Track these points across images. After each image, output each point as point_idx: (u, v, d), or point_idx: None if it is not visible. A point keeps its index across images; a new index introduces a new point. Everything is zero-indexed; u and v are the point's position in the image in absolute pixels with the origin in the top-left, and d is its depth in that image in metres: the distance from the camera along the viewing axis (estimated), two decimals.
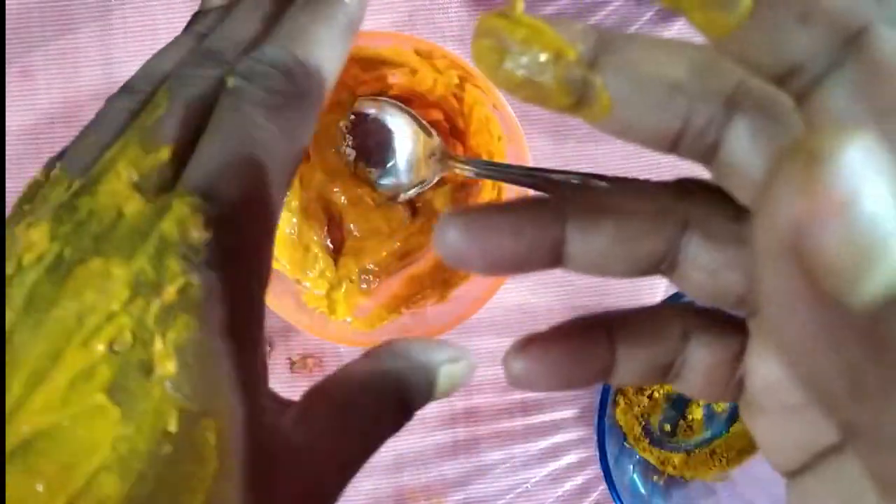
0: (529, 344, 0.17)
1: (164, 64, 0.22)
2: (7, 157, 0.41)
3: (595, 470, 0.45)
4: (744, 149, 0.14)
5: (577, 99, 0.14)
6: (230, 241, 0.18)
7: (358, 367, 0.22)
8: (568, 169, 0.35)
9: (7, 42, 0.41)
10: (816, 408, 0.14)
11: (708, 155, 0.15)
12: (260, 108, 0.19)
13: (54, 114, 0.42)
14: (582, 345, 0.17)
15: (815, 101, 0.12)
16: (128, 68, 0.42)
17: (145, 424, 0.17)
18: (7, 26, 0.41)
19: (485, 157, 0.39)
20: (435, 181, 0.38)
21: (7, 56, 0.41)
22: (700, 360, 0.17)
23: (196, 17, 0.24)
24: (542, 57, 0.14)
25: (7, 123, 0.41)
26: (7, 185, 0.41)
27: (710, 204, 0.16)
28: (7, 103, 0.41)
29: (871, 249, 0.09)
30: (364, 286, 0.42)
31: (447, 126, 0.41)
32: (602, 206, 0.15)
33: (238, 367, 0.18)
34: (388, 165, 0.39)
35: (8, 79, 0.41)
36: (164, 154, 0.19)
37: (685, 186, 0.16)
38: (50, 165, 0.21)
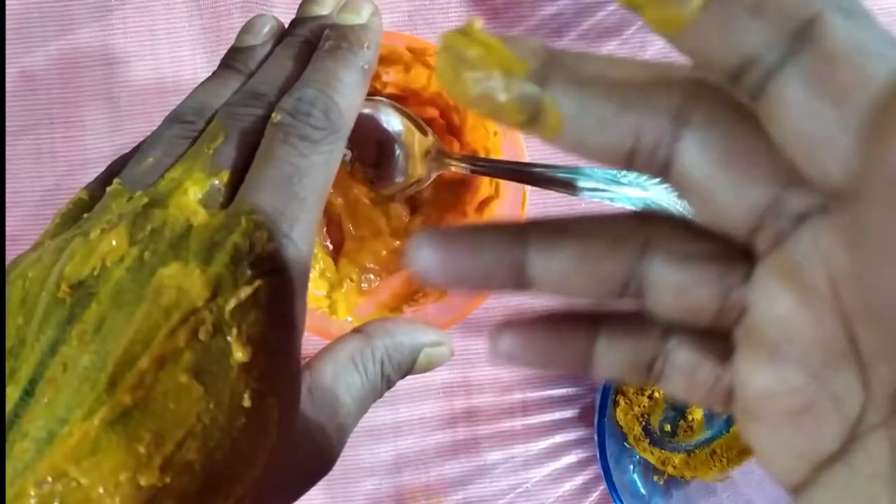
0: (515, 321, 0.18)
1: (211, 99, 0.25)
2: (7, 157, 0.41)
3: (595, 470, 0.44)
4: (695, 162, 0.14)
5: (529, 116, 0.15)
6: (288, 253, 0.21)
7: (348, 341, 0.25)
8: (565, 164, 0.35)
9: (7, 42, 0.41)
10: (816, 412, 0.14)
11: (663, 170, 0.15)
12: (304, 141, 0.23)
13: (54, 114, 0.42)
14: (563, 329, 0.18)
15: (771, 93, 0.13)
16: (128, 68, 0.42)
17: (224, 400, 0.20)
18: (7, 26, 0.41)
19: (481, 154, 0.39)
20: (432, 178, 0.38)
21: (7, 56, 0.41)
22: (681, 359, 0.17)
23: (232, 53, 0.27)
24: (495, 74, 0.14)
25: (7, 123, 0.42)
26: (7, 185, 0.42)
27: (672, 227, 0.16)
28: (7, 103, 0.42)
29: None
30: (364, 285, 0.42)
31: (443, 123, 0.41)
32: (563, 229, 0.16)
33: (291, 356, 0.21)
34: (385, 164, 0.38)
35: (8, 79, 0.41)
36: (224, 177, 0.23)
37: (647, 213, 0.17)
38: (90, 187, 0.24)
